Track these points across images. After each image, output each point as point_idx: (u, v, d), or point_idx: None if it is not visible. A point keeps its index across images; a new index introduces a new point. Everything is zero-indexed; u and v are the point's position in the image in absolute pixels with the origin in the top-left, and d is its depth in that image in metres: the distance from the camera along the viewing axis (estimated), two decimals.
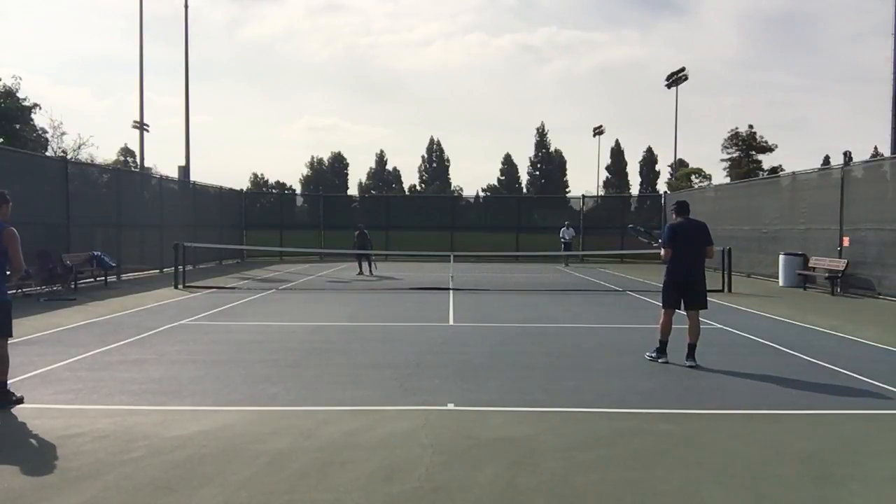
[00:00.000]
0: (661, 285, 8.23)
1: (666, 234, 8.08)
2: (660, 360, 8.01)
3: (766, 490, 4.24)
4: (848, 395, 6.72)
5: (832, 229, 17.59)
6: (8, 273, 6.07)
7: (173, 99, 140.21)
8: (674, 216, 8.28)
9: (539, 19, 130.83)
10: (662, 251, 8.07)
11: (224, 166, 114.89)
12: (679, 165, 56.68)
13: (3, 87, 30.54)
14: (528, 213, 36.47)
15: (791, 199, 20.34)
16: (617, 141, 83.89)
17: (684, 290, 8.00)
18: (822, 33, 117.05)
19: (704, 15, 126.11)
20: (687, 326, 7.99)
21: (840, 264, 16.76)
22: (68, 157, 29.58)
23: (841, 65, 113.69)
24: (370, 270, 21.81)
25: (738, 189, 25.92)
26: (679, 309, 8.08)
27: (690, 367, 7.75)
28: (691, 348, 7.93)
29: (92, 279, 17.43)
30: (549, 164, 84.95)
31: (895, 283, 15.23)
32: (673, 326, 8.11)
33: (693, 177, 55.87)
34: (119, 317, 11.60)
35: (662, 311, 8.17)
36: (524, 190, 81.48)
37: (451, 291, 16.33)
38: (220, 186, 29.73)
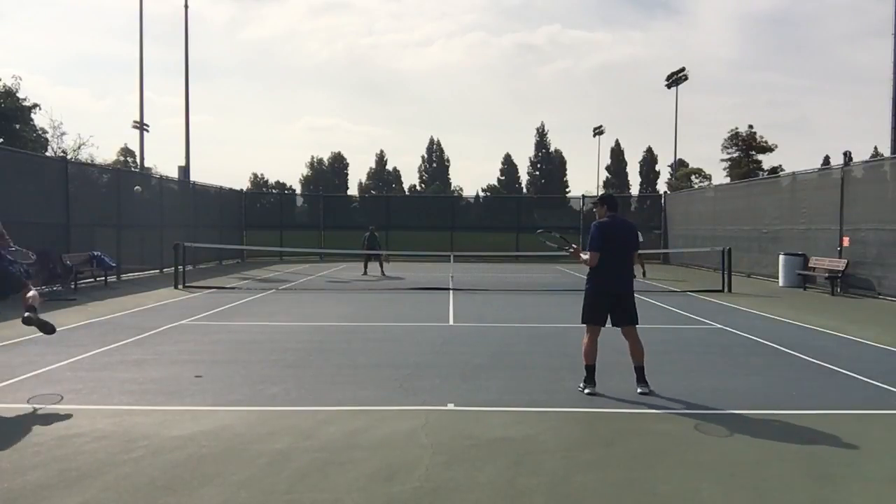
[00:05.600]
0: (586, 297, 6.73)
1: (595, 234, 6.58)
2: (587, 391, 6.54)
3: (766, 490, 4.24)
4: (848, 395, 6.72)
5: (832, 229, 17.59)
6: None
7: (173, 99, 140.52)
8: (601, 210, 6.79)
9: (540, 19, 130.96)
10: (588, 255, 6.59)
11: (224, 166, 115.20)
12: (679, 165, 56.74)
13: (3, 87, 30.55)
14: (528, 213, 36.50)
15: (791, 199, 20.35)
16: (617, 141, 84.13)
17: (614, 304, 6.63)
18: (822, 34, 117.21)
19: (704, 15, 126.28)
20: (628, 349, 6.70)
21: (840, 264, 16.77)
22: (68, 157, 29.55)
23: (841, 65, 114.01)
24: (381, 271, 21.95)
25: (738, 189, 25.92)
26: (604, 326, 6.73)
27: (642, 394, 6.47)
28: (640, 371, 6.61)
29: (92, 279, 17.44)
30: (549, 164, 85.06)
31: (895, 283, 15.24)
32: (597, 349, 6.71)
33: (693, 177, 56.00)
34: (119, 317, 11.60)
35: (586, 331, 6.71)
36: (524, 190, 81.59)
37: (451, 291, 16.34)
38: (220, 186, 29.74)
